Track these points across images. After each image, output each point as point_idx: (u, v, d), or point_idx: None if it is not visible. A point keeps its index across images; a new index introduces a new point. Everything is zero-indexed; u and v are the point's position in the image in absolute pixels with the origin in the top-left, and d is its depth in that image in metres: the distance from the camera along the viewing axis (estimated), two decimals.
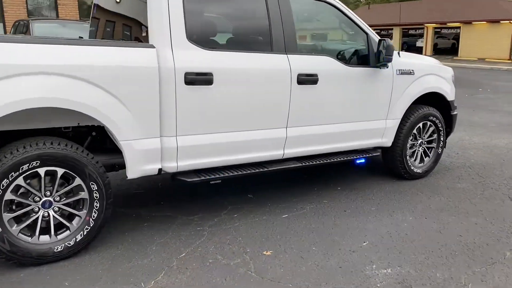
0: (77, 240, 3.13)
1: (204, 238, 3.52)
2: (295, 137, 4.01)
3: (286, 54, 3.84)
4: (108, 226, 3.66)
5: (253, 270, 3.09)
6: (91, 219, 3.16)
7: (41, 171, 2.94)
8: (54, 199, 3.05)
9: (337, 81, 4.15)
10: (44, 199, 3.02)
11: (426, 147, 5.14)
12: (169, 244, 3.41)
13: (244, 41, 3.77)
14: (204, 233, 3.61)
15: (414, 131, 4.92)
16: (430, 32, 35.51)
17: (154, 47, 3.23)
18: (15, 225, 2.96)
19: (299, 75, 3.86)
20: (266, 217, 3.96)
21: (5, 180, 2.83)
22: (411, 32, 38.50)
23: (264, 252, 3.32)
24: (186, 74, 3.30)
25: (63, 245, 3.08)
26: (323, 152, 4.30)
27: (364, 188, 4.76)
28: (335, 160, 4.35)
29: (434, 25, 34.69)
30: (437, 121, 5.06)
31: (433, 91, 4.95)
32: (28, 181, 2.94)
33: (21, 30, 11.50)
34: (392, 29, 37.86)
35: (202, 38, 3.48)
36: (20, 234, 2.97)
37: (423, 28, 35.89)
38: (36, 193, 2.99)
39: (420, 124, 4.95)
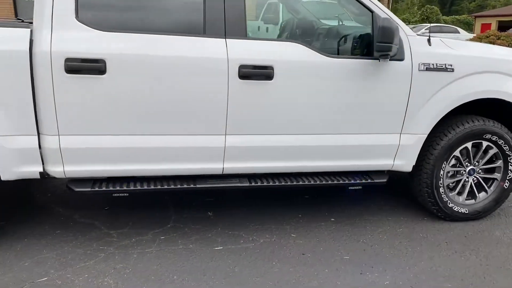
0: None
1: (91, 262, 2.89)
2: (239, 148, 3.05)
3: (225, 38, 2.90)
4: (24, 228, 3.32)
5: None
6: None
7: None
8: None
9: (307, 77, 3.02)
10: None
11: (482, 177, 3.56)
12: (47, 261, 2.87)
13: (164, 20, 2.93)
14: (100, 255, 2.97)
15: (457, 153, 3.41)
16: None
17: (28, 27, 2.69)
18: None
19: (241, 66, 2.89)
20: (194, 245, 3.12)
21: None
22: None
23: None
24: (67, 60, 2.68)
25: None
26: (291, 171, 3.24)
27: (365, 225, 3.48)
28: (308, 183, 3.23)
29: None
30: (500, 142, 3.43)
31: (493, 97, 3.35)
32: None
33: None
34: None
35: (100, 17, 2.80)
36: None
37: None
38: None
39: (468, 144, 3.41)
